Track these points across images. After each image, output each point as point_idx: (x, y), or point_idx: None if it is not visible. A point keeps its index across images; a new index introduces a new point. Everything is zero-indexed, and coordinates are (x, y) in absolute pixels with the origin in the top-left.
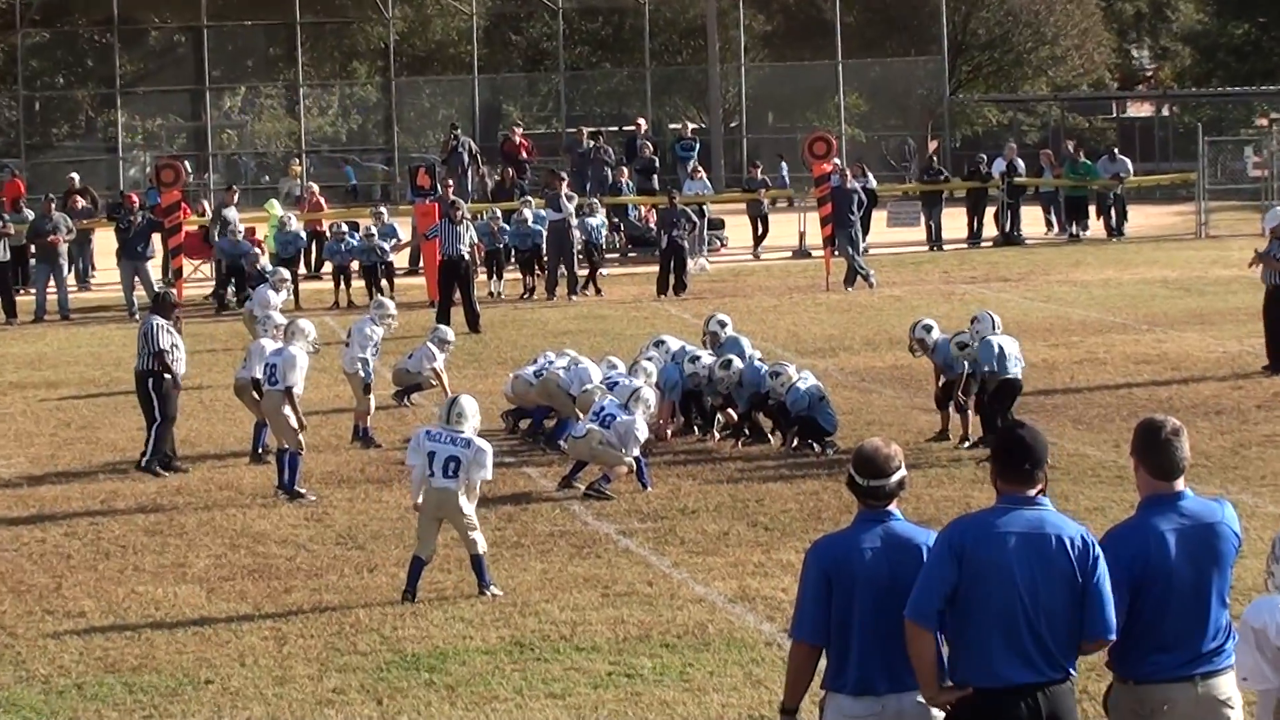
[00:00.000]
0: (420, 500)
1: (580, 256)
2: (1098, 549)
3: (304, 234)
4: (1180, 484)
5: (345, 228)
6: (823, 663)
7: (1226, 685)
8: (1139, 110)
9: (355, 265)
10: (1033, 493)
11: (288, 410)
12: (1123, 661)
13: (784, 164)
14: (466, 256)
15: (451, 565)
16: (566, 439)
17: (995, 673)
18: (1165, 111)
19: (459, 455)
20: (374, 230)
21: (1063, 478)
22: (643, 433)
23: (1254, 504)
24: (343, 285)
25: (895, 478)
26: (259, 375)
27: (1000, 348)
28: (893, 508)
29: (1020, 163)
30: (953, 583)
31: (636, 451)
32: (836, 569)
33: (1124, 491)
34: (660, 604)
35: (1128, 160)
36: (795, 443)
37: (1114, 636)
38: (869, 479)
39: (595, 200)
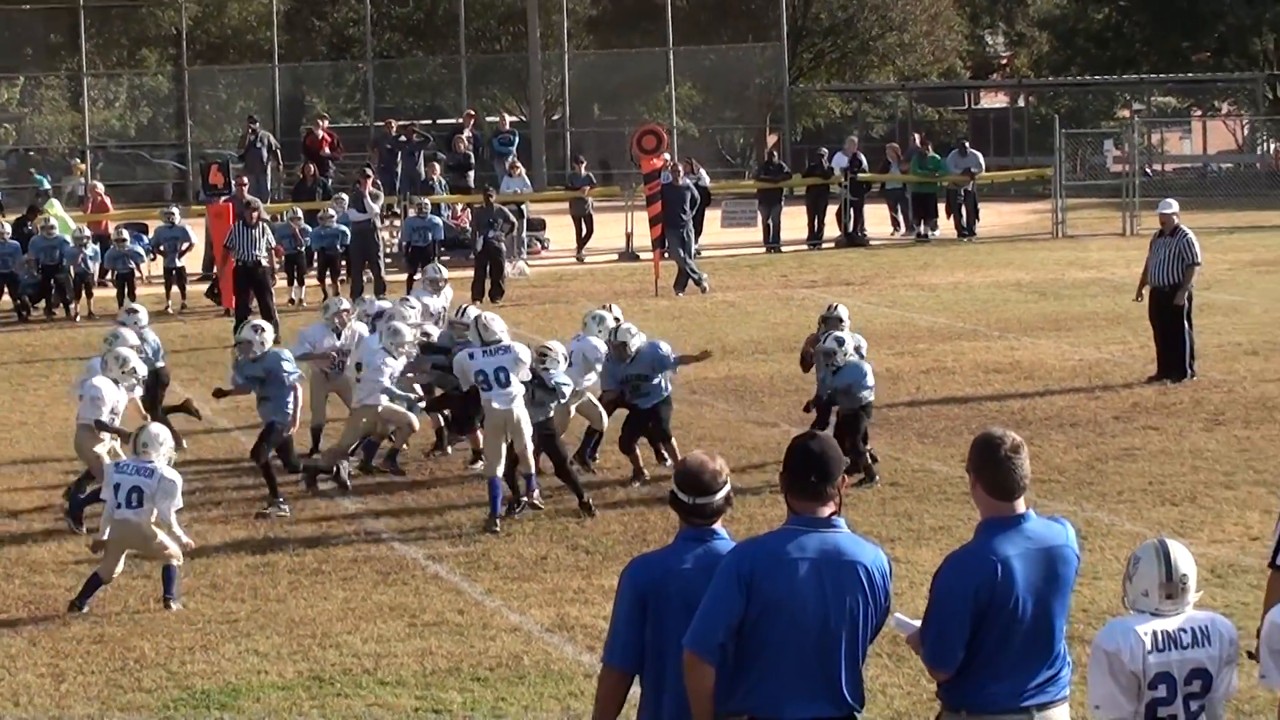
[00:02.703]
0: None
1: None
2: (890, 577)
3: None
4: (1021, 504)
5: (87, 232)
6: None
7: (1060, 716)
8: (993, 101)
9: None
10: (827, 513)
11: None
12: (955, 692)
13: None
14: (264, 262)
15: (245, 595)
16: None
17: (779, 707)
18: (1021, 102)
19: (142, 485)
20: (125, 235)
21: (906, 495)
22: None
23: (1110, 522)
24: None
25: (721, 494)
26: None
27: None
28: (718, 526)
29: (861, 158)
30: (739, 614)
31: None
32: (653, 590)
33: (972, 510)
34: (471, 634)
35: (979, 154)
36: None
37: (944, 670)
38: (694, 496)
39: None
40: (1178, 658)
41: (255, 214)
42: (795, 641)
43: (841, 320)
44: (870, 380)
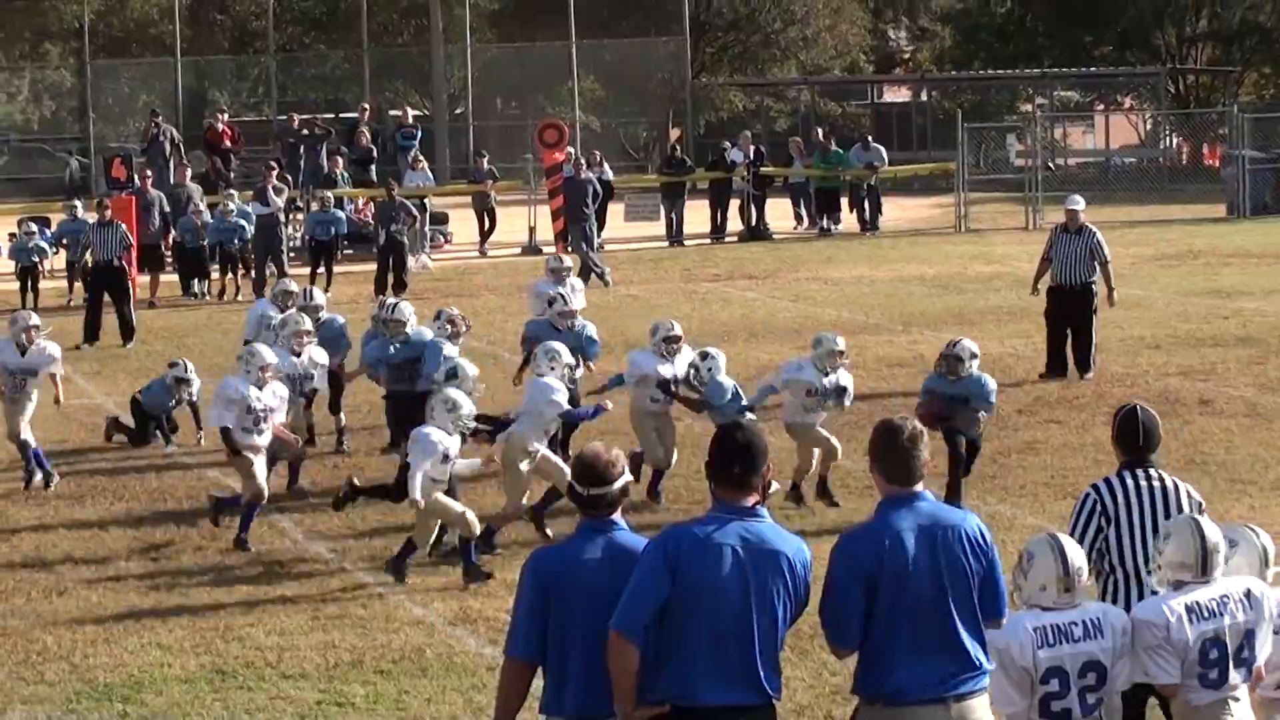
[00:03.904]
0: None
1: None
2: (810, 567)
3: None
4: (919, 488)
5: None
6: (539, 685)
7: (981, 709)
8: (896, 95)
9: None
10: (750, 502)
11: None
12: (866, 679)
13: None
14: (117, 262)
15: (148, 588)
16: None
17: (699, 694)
18: (924, 96)
19: None
20: (33, 228)
21: (809, 490)
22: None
23: (1012, 515)
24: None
25: (618, 485)
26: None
27: (735, 389)
28: (616, 516)
29: (764, 150)
30: (665, 595)
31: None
32: (555, 581)
33: (873, 504)
34: (375, 627)
35: (882, 149)
36: None
37: (841, 645)
38: (590, 487)
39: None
40: (1069, 651)
41: (108, 212)
42: (715, 627)
43: (962, 360)
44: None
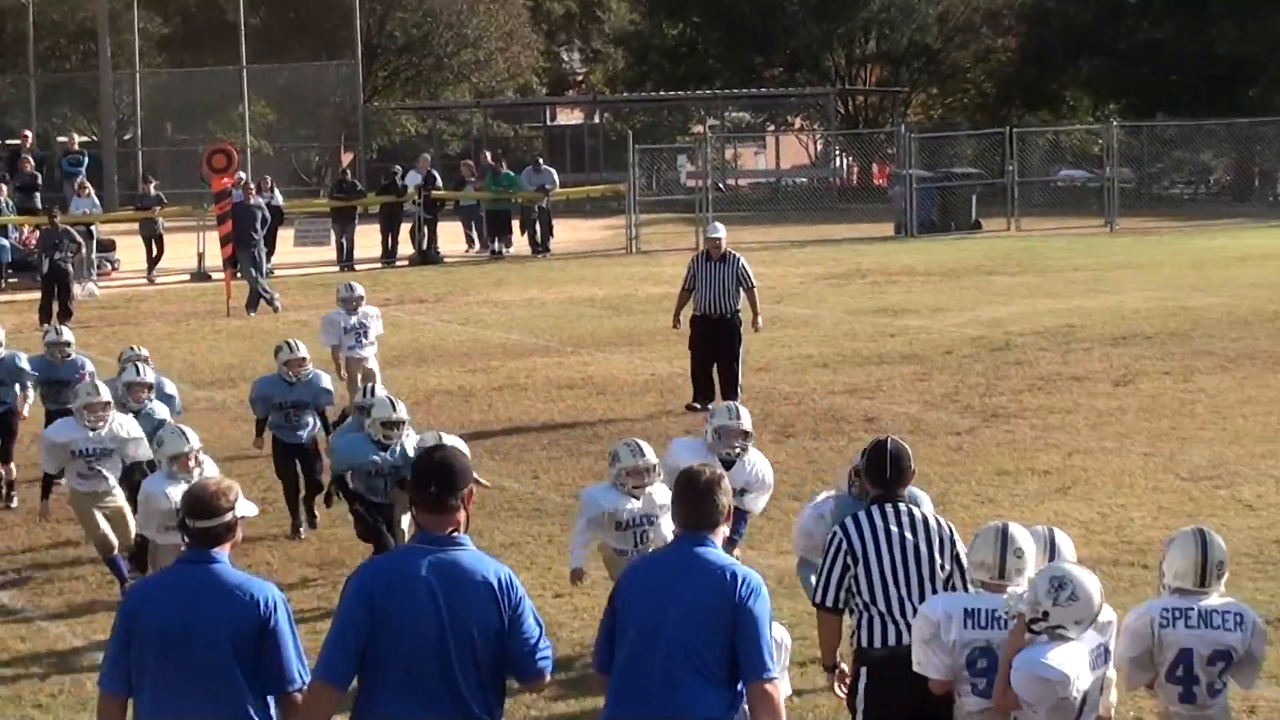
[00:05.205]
0: None
1: None
2: (520, 590)
3: None
4: (712, 535)
5: None
6: None
7: None
8: (569, 117)
9: None
10: (449, 529)
11: None
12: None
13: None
14: None
15: None
16: None
17: None
18: (596, 118)
19: None
20: None
21: (478, 512)
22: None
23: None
24: None
25: (227, 518)
26: None
27: None
28: (220, 551)
29: (436, 175)
30: (366, 634)
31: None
32: (134, 616)
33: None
34: (33, 662)
35: (554, 171)
36: None
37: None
38: (197, 520)
39: None
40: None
41: None
42: (415, 660)
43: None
44: None
